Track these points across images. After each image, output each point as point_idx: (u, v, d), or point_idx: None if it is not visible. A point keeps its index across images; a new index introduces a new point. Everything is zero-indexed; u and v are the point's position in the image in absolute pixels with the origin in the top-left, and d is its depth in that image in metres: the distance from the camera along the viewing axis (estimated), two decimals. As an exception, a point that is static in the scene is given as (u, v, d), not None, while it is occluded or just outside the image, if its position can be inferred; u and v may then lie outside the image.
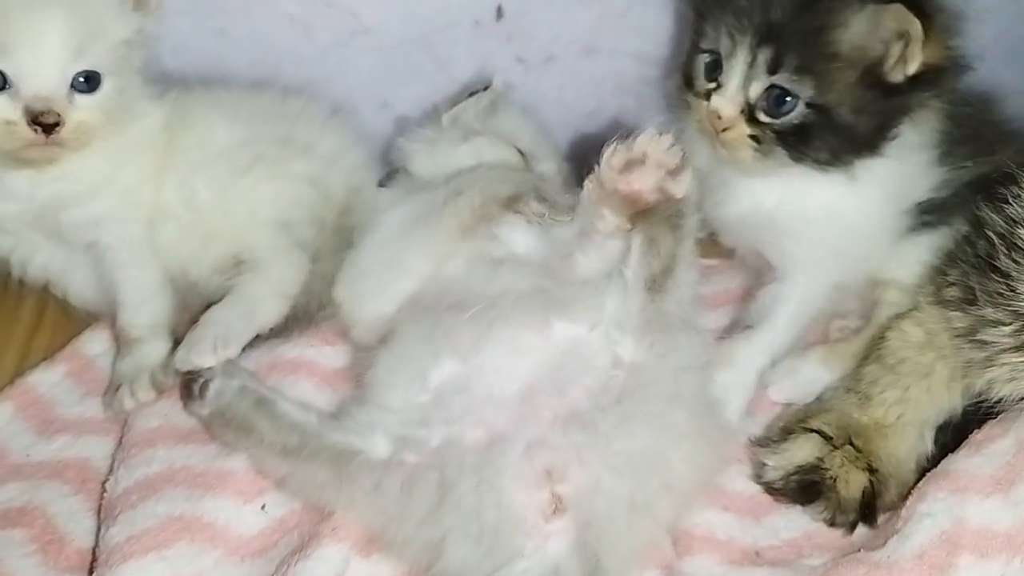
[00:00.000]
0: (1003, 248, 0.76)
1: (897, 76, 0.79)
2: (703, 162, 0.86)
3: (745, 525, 0.81)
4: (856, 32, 0.77)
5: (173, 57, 0.97)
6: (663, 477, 0.74)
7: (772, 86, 0.78)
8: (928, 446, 0.84)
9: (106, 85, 0.79)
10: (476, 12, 1.02)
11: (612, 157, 0.74)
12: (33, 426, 0.87)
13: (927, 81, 0.80)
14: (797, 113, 0.78)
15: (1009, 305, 0.75)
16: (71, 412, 0.89)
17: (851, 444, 0.83)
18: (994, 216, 0.77)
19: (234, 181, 0.89)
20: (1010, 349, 0.75)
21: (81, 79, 0.77)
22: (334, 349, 0.90)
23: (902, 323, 0.86)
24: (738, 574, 0.77)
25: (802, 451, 0.83)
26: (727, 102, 0.80)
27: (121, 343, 0.89)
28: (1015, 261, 0.75)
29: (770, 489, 0.83)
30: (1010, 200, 0.77)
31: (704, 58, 0.83)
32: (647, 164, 0.74)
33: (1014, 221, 0.76)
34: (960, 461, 0.79)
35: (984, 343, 0.77)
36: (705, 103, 0.82)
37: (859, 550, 0.77)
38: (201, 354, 0.83)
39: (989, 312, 0.76)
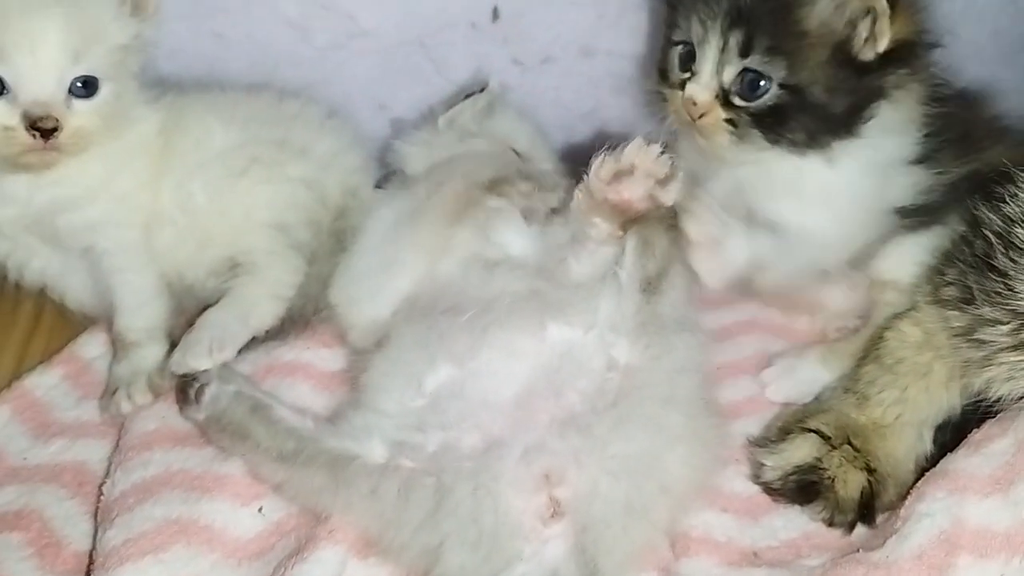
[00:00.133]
0: (1000, 247, 0.76)
1: (868, 54, 0.79)
2: (689, 157, 0.86)
3: (743, 526, 0.81)
4: (823, 9, 0.78)
5: (170, 61, 0.97)
6: (659, 479, 0.74)
7: (745, 69, 0.79)
8: (927, 446, 0.84)
9: (104, 90, 0.79)
10: (472, 14, 1.02)
11: (600, 168, 0.75)
12: (30, 429, 0.88)
13: (899, 58, 0.80)
14: (771, 95, 0.79)
15: (1007, 304, 0.75)
16: (68, 415, 0.89)
17: (849, 444, 0.83)
18: (991, 215, 0.77)
19: (230, 184, 0.89)
20: (1008, 348, 0.75)
21: (79, 84, 0.77)
22: (331, 352, 0.90)
23: (900, 323, 0.86)
24: (736, 574, 0.77)
25: (800, 451, 0.83)
26: (701, 88, 0.80)
27: (118, 347, 0.89)
28: (1012, 260, 0.75)
29: (768, 489, 0.83)
30: (1007, 199, 0.77)
31: (678, 50, 0.83)
32: (636, 174, 0.75)
33: (1011, 220, 0.76)
34: (959, 461, 0.78)
35: (982, 342, 0.77)
36: (680, 93, 0.82)
37: (858, 550, 0.77)
38: (196, 357, 0.84)
39: (987, 311, 0.76)
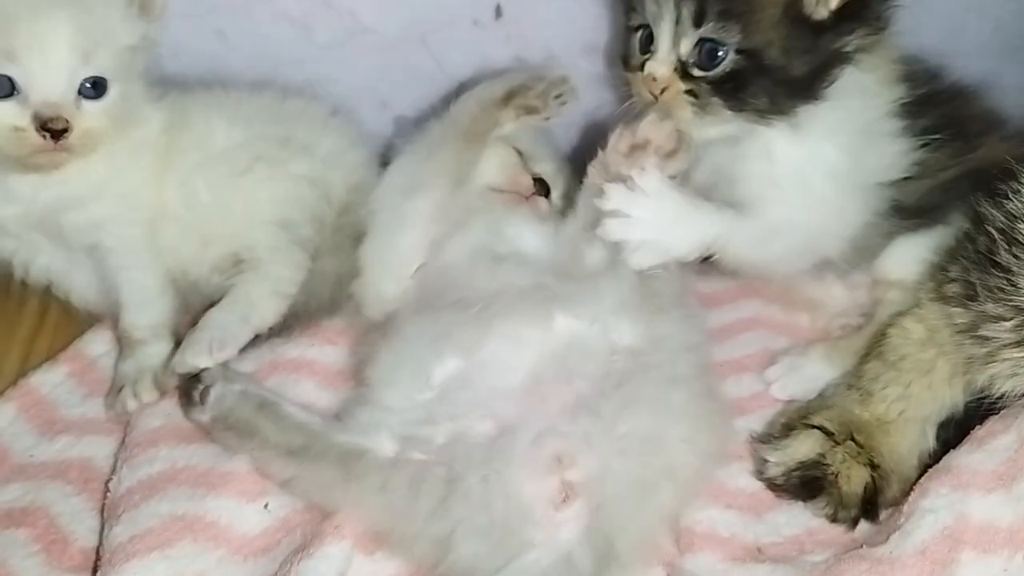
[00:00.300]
0: (1003, 243, 0.76)
1: (821, 12, 0.79)
2: None
3: (747, 522, 0.81)
4: None
5: (172, 59, 0.97)
6: (667, 457, 0.75)
7: (701, 39, 0.79)
8: (930, 442, 0.85)
9: (112, 91, 0.79)
10: (475, 11, 1.02)
11: (619, 142, 0.78)
12: (36, 427, 0.88)
13: (853, 16, 0.79)
14: (728, 61, 0.79)
15: (1010, 300, 0.75)
16: (73, 412, 0.90)
17: (853, 440, 0.83)
18: (994, 212, 0.77)
19: (234, 181, 0.89)
20: (1011, 344, 0.75)
21: (88, 85, 0.78)
22: (335, 349, 0.91)
23: (903, 320, 0.86)
24: (740, 571, 0.77)
25: (804, 447, 0.83)
26: (659, 64, 0.81)
27: (123, 344, 0.90)
28: (1015, 256, 0.75)
29: (772, 485, 0.83)
30: (1010, 196, 0.77)
31: (638, 35, 0.84)
32: (648, 149, 0.78)
33: (1014, 216, 0.76)
34: (962, 457, 0.79)
35: (985, 339, 0.77)
36: (640, 73, 0.82)
37: (861, 546, 0.77)
38: (197, 356, 0.84)
39: (990, 308, 0.76)
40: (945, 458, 0.80)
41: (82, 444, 0.86)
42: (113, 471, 0.82)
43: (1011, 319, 0.75)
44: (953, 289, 0.81)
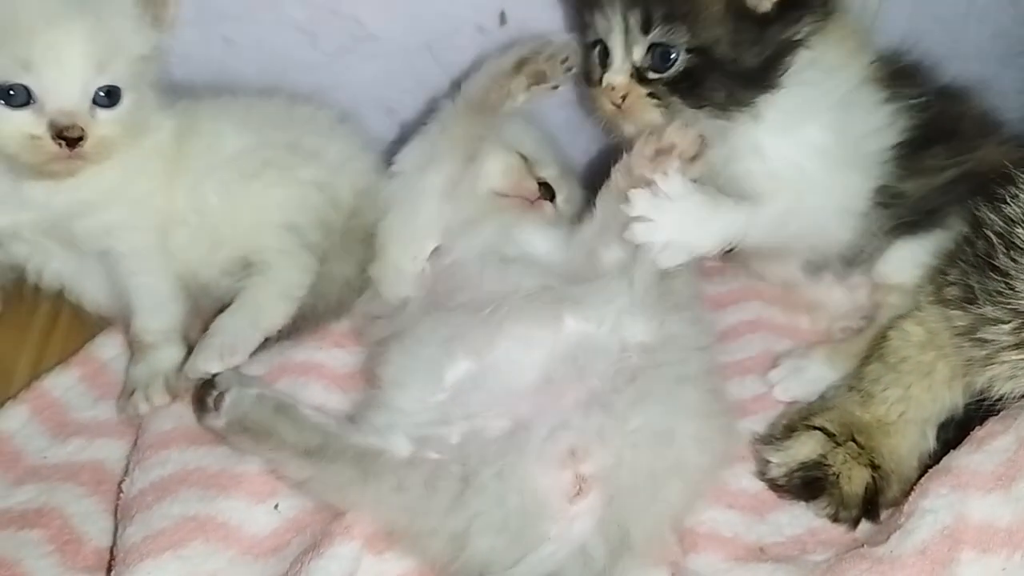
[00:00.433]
0: (1002, 247, 0.76)
1: (764, 5, 0.81)
2: None
3: (749, 522, 0.82)
4: None
5: (179, 66, 0.98)
6: (677, 451, 0.76)
7: (652, 45, 0.82)
8: (930, 443, 0.85)
9: (125, 100, 0.81)
10: (479, 18, 1.03)
11: (645, 146, 0.81)
12: (48, 429, 0.89)
13: (797, 5, 0.81)
14: (680, 61, 0.81)
15: (1008, 303, 0.76)
16: (85, 415, 0.91)
17: (854, 441, 0.84)
18: (992, 216, 0.78)
19: (242, 186, 0.90)
20: (1010, 347, 0.76)
21: (102, 94, 0.79)
22: (344, 351, 0.92)
23: (903, 322, 0.87)
24: (743, 570, 0.78)
25: (805, 448, 0.84)
26: (616, 73, 0.84)
27: (135, 349, 0.91)
28: (1013, 260, 0.76)
29: (774, 486, 0.84)
30: (1008, 200, 0.78)
31: (595, 51, 0.87)
32: (672, 153, 0.80)
33: (1012, 221, 0.77)
34: (962, 457, 0.79)
35: (984, 341, 0.78)
36: (600, 87, 0.85)
37: (862, 546, 0.78)
38: (208, 362, 0.85)
39: (989, 310, 0.77)
40: (945, 459, 0.81)
41: (94, 446, 0.87)
42: (125, 473, 0.83)
43: (1009, 322, 0.76)
44: (952, 292, 0.82)
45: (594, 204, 0.87)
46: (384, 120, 1.08)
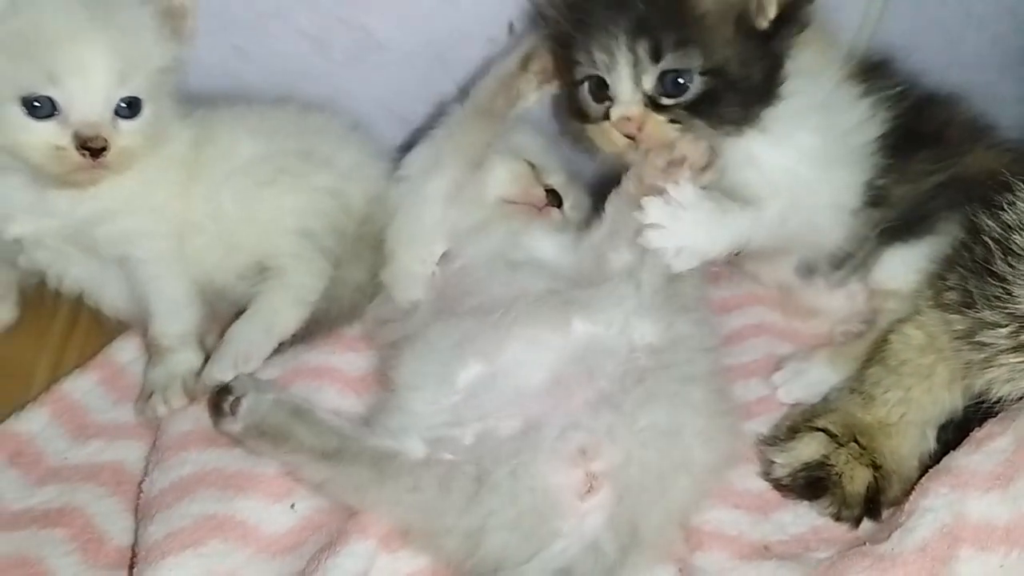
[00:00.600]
0: (999, 253, 0.78)
1: (763, 23, 0.82)
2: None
3: (754, 521, 0.84)
4: None
5: (194, 76, 0.99)
6: (684, 449, 0.78)
7: (663, 72, 0.81)
8: (930, 444, 0.86)
9: (146, 110, 0.82)
10: (488, 29, 1.04)
11: (657, 158, 0.82)
12: (69, 431, 0.91)
13: (789, 18, 0.83)
14: (696, 84, 0.81)
15: (1006, 308, 0.77)
16: (104, 417, 0.92)
17: (856, 442, 0.85)
18: (990, 222, 0.79)
19: (257, 193, 0.92)
20: (1008, 350, 0.77)
21: (124, 105, 0.81)
22: (357, 355, 0.93)
23: (904, 326, 0.88)
24: (748, 567, 0.79)
25: (808, 449, 0.85)
26: (627, 105, 0.82)
27: (153, 352, 0.92)
28: (1011, 265, 0.77)
29: (778, 485, 0.85)
30: (1005, 207, 0.79)
31: (584, 87, 0.85)
32: (684, 164, 0.81)
33: (1009, 227, 0.78)
34: (961, 458, 0.81)
35: (983, 345, 0.79)
36: (606, 123, 0.83)
37: (864, 543, 0.79)
38: (223, 370, 0.87)
39: (987, 315, 0.78)
40: (945, 459, 0.82)
41: (113, 448, 0.89)
42: (145, 473, 0.85)
43: (1007, 326, 0.77)
44: (951, 297, 0.83)
45: (602, 209, 0.89)
46: (395, 128, 1.09)
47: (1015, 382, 0.78)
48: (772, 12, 0.82)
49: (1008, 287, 0.77)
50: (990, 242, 0.79)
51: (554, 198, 0.98)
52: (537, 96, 0.92)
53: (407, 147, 1.05)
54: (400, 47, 1.05)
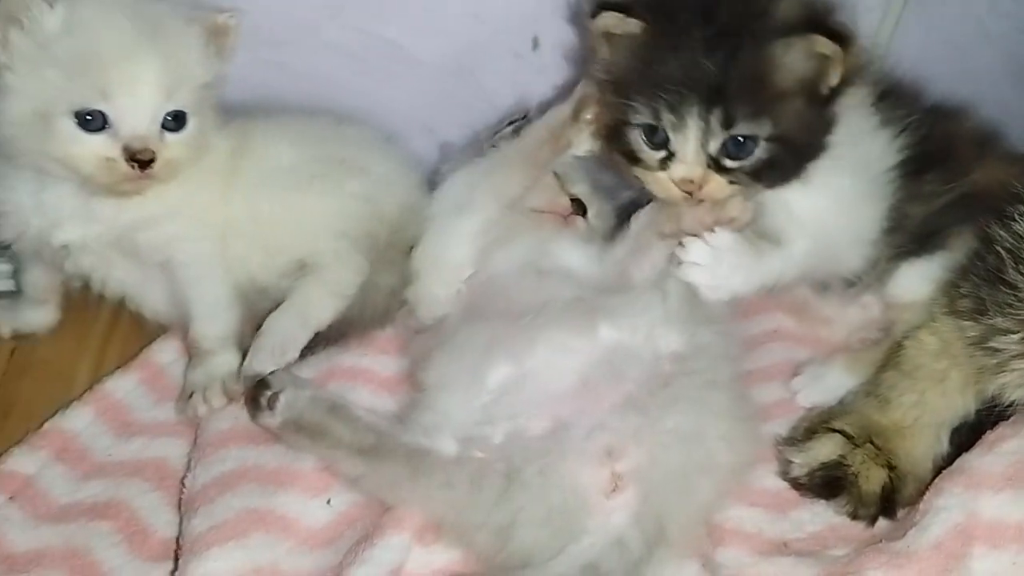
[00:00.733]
0: (1011, 262, 0.80)
1: (825, 90, 0.83)
2: None
3: (773, 519, 0.86)
4: (793, 67, 0.81)
5: (232, 89, 1.01)
6: (706, 451, 0.80)
7: (731, 137, 0.81)
8: (944, 446, 0.88)
9: (191, 123, 0.85)
10: (514, 43, 1.07)
11: (706, 215, 0.84)
12: (112, 428, 0.94)
13: (845, 83, 0.84)
14: (761, 149, 0.81)
15: (1018, 314, 0.79)
16: (146, 416, 0.95)
17: (871, 443, 0.87)
18: (1002, 232, 0.81)
19: (294, 196, 0.95)
20: (1019, 355, 0.79)
21: (170, 119, 0.84)
22: (388, 357, 0.96)
23: (918, 332, 0.89)
24: (767, 564, 0.82)
25: (826, 449, 0.87)
26: (691, 166, 0.82)
27: (193, 354, 0.95)
28: (1022, 274, 0.79)
29: (796, 485, 0.87)
30: (1017, 218, 0.81)
31: (637, 132, 0.84)
32: (732, 224, 0.84)
33: (1021, 237, 0.80)
34: (974, 459, 0.83)
35: (995, 350, 0.81)
36: (663, 174, 0.84)
37: (880, 541, 0.81)
38: (262, 363, 0.90)
39: (999, 321, 0.80)
40: (958, 460, 0.84)
41: (156, 445, 0.92)
42: (187, 469, 0.87)
43: (1019, 332, 0.79)
44: (965, 304, 0.85)
45: (627, 224, 0.91)
46: (425, 139, 1.11)
47: (1026, 386, 0.80)
48: (835, 81, 0.83)
49: (1019, 295, 0.79)
50: (1002, 252, 0.81)
51: (579, 207, 1.00)
52: (588, 147, 0.92)
53: (439, 160, 1.08)
54: (430, 61, 1.07)
